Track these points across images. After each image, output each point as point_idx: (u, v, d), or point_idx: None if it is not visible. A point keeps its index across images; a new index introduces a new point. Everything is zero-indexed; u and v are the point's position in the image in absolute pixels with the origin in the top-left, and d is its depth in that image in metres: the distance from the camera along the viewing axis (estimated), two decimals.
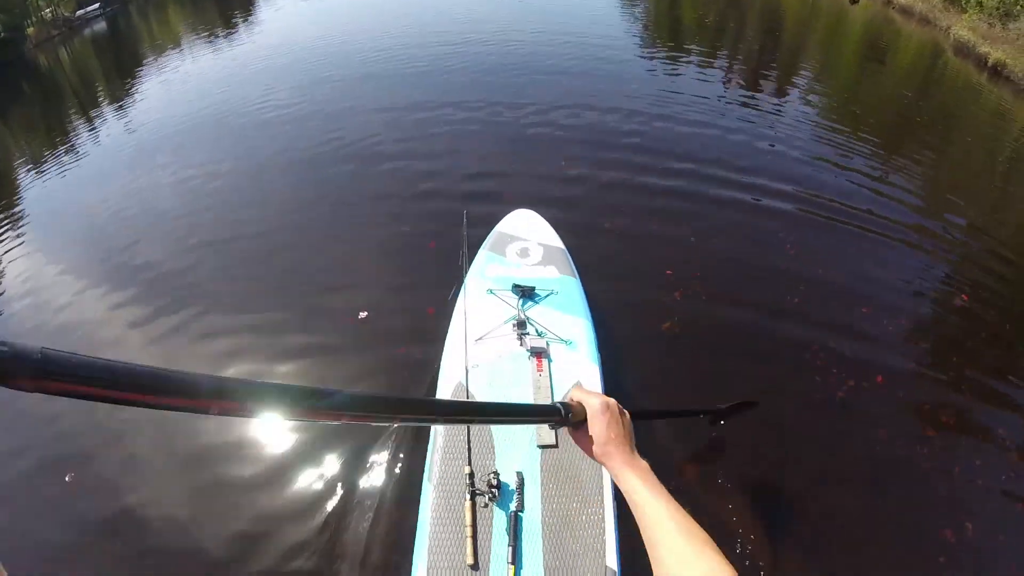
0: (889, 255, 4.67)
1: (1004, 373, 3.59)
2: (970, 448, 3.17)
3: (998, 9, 12.09)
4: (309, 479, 3.03)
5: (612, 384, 2.74)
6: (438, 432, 2.47)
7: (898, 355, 3.67)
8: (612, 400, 0.96)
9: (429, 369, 3.16)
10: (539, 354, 2.71)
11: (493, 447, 2.40)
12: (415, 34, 11.41)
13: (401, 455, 3.04)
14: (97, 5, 21.25)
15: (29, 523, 3.15)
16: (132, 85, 11.53)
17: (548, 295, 3.08)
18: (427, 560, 2.11)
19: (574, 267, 3.32)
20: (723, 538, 1.65)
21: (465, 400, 0.61)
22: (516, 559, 2.09)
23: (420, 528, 2.23)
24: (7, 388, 0.32)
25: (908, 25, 13.88)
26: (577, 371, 2.68)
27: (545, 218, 3.68)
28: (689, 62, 9.66)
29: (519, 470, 2.32)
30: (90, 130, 9.41)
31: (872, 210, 5.23)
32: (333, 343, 3.89)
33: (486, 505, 2.21)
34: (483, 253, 3.44)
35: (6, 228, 6.84)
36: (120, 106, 10.34)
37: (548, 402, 1.04)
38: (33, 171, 8.30)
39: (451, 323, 3.01)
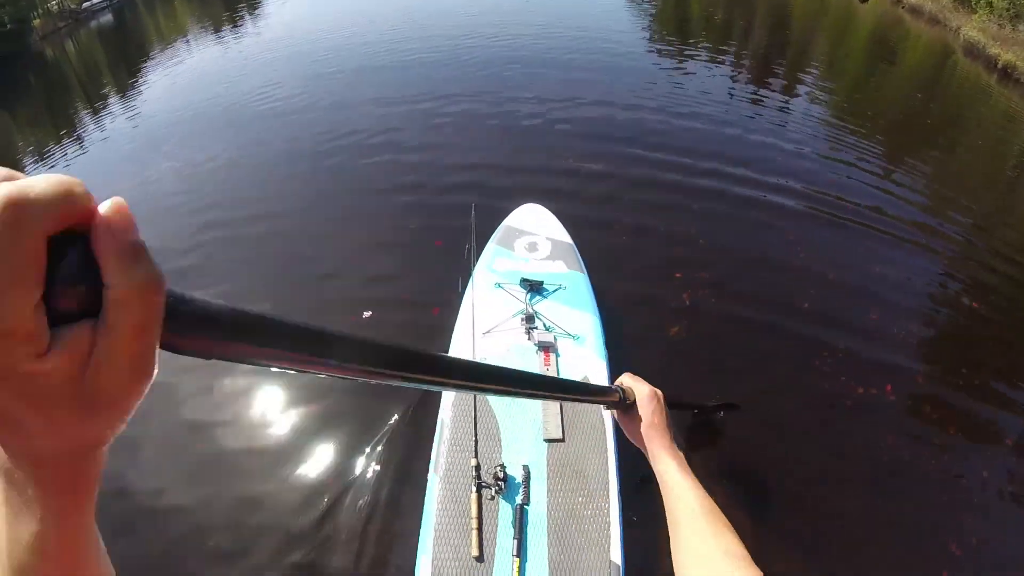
0: (897, 256, 4.64)
1: (1012, 379, 3.57)
2: (977, 456, 3.16)
3: (1008, 10, 12.03)
4: (314, 467, 3.03)
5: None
6: (445, 424, 2.47)
7: (906, 362, 3.64)
8: (659, 390, 1.01)
9: None
10: (547, 348, 2.71)
11: (500, 440, 2.41)
12: (421, 28, 11.39)
13: (408, 446, 3.04)
14: None
15: None
16: (138, 77, 11.53)
17: (556, 290, 3.08)
18: (432, 551, 2.12)
19: (582, 262, 3.32)
20: None
21: (529, 372, 0.61)
22: (521, 552, 2.10)
23: (426, 519, 2.24)
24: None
25: (917, 25, 13.82)
26: (585, 366, 2.68)
27: (553, 213, 3.67)
28: (697, 58, 9.63)
29: (525, 463, 2.33)
30: (96, 122, 9.42)
31: (881, 210, 5.21)
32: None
33: (492, 498, 2.22)
34: (491, 247, 3.44)
35: None
36: (126, 98, 10.35)
37: (606, 384, 1.06)
38: (39, 162, 8.32)
39: (458, 316, 3.01)
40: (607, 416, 2.49)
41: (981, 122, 8.31)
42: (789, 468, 3.00)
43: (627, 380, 1.06)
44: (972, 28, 12.08)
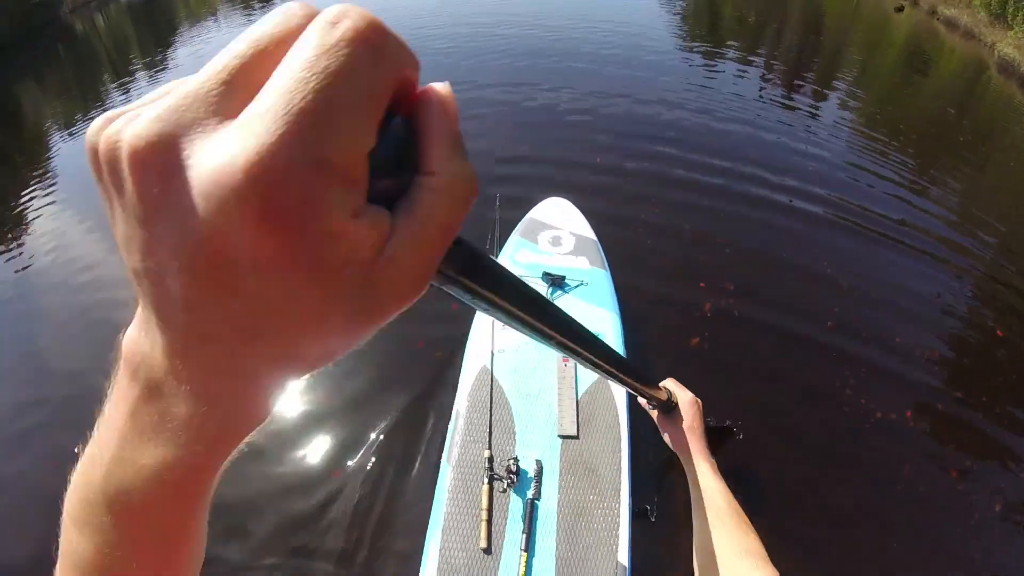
0: (924, 274, 4.55)
1: None
2: (995, 487, 3.09)
3: None
4: (326, 450, 3.04)
5: None
6: (460, 414, 2.47)
7: (927, 387, 3.57)
8: (698, 399, 1.06)
9: (451, 361, 3.18)
10: None
11: (514, 433, 2.40)
12: (447, 16, 11.35)
13: (421, 433, 3.04)
14: None
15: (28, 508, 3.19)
16: (166, 54, 11.62)
17: (578, 286, 3.06)
18: (440, 540, 2.13)
19: (605, 259, 3.30)
20: None
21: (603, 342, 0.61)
22: (529, 546, 2.10)
23: (435, 508, 2.24)
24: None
25: (952, 38, 13.60)
26: None
27: (578, 207, 3.64)
28: (728, 58, 9.54)
29: (539, 458, 2.33)
30: (123, 95, 9.50)
31: (909, 223, 5.12)
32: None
33: (504, 491, 2.22)
34: (514, 238, 3.43)
35: (36, 186, 6.94)
36: (154, 75, 10.42)
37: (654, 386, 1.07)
38: (65, 133, 8.40)
39: None
40: (623, 416, 2.48)
41: (1014, 142, 8.15)
42: (801, 493, 2.95)
43: (671, 384, 1.10)
44: (1007, 45, 11.86)
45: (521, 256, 3.29)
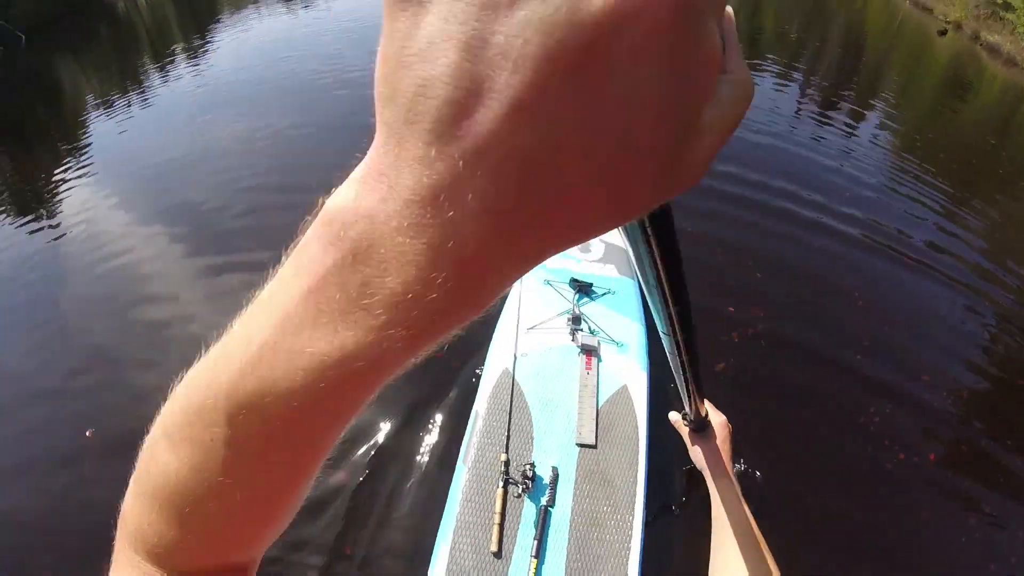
0: (957, 308, 4.42)
1: None
2: (1012, 542, 3.00)
3: None
4: (338, 444, 3.04)
5: (658, 395, 2.68)
6: (479, 415, 2.46)
7: (952, 430, 3.47)
8: (729, 423, 1.07)
9: (471, 363, 3.18)
10: (589, 352, 2.68)
11: (532, 438, 2.39)
12: None
13: (440, 431, 3.04)
14: None
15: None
16: (206, 38, 11.75)
17: (605, 294, 3.04)
18: (451, 541, 2.12)
19: (634, 269, 3.27)
20: None
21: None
22: (540, 553, 2.08)
23: (448, 508, 2.23)
24: None
25: (994, 65, 13.35)
26: (626, 375, 2.64)
27: None
28: (767, 71, 9.42)
29: (555, 465, 2.31)
30: (162, 77, 9.63)
31: (943, 251, 5.00)
32: None
33: (518, 496, 2.21)
34: None
35: (71, 159, 7.07)
36: (192, 57, 10.56)
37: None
38: (103, 109, 8.53)
39: (504, 308, 2.98)
40: (642, 428, 2.46)
41: None
42: (818, 528, 2.89)
43: (705, 403, 1.09)
44: None
45: (550, 260, 3.26)
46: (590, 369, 2.61)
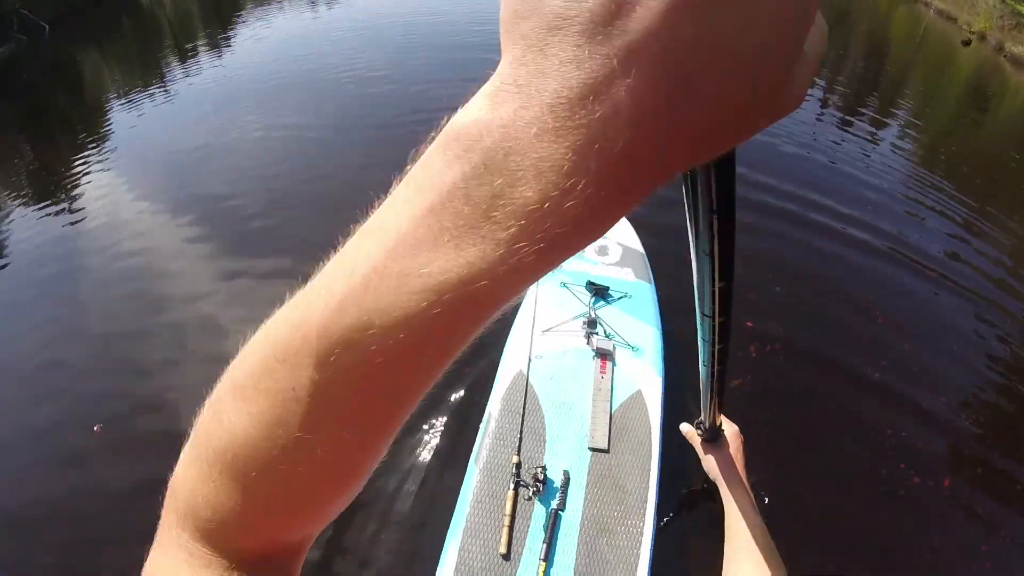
0: (980, 325, 4.32)
1: None
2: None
3: None
4: None
5: (673, 401, 2.65)
6: (492, 416, 2.45)
7: (969, 455, 3.40)
8: (741, 433, 1.06)
9: (489, 353, 3.14)
10: (604, 356, 2.66)
11: (544, 441, 2.38)
12: None
13: (451, 431, 3.03)
14: None
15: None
16: (229, 33, 11.83)
17: (621, 297, 3.02)
18: (460, 541, 2.11)
19: (651, 273, 3.25)
20: None
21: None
22: (548, 556, 2.07)
23: (459, 509, 2.23)
24: None
25: (1018, 77, 13.17)
26: (641, 380, 2.62)
27: (628, 219, 3.60)
28: None
29: (566, 468, 2.30)
30: (183, 70, 9.71)
31: (964, 262, 4.93)
32: None
33: (529, 498, 2.20)
34: None
35: (92, 149, 7.15)
36: (214, 52, 10.65)
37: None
38: (124, 101, 8.62)
39: (520, 309, 2.97)
40: (656, 434, 2.44)
41: None
42: (827, 548, 2.85)
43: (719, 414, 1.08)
44: None
45: (567, 263, 3.25)
46: (604, 373, 2.60)
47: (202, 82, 8.98)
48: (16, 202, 6.35)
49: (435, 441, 3.00)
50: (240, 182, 5.80)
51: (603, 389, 2.54)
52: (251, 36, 11.28)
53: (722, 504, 1.11)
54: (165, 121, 7.81)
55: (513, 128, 0.19)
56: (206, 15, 14.57)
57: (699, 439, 1.09)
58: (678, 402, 2.73)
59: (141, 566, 0.33)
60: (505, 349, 2.79)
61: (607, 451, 2.37)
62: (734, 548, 0.97)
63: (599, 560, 2.09)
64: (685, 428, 1.13)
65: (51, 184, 6.59)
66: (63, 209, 5.91)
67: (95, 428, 3.35)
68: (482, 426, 2.46)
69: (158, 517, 0.33)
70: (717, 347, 0.66)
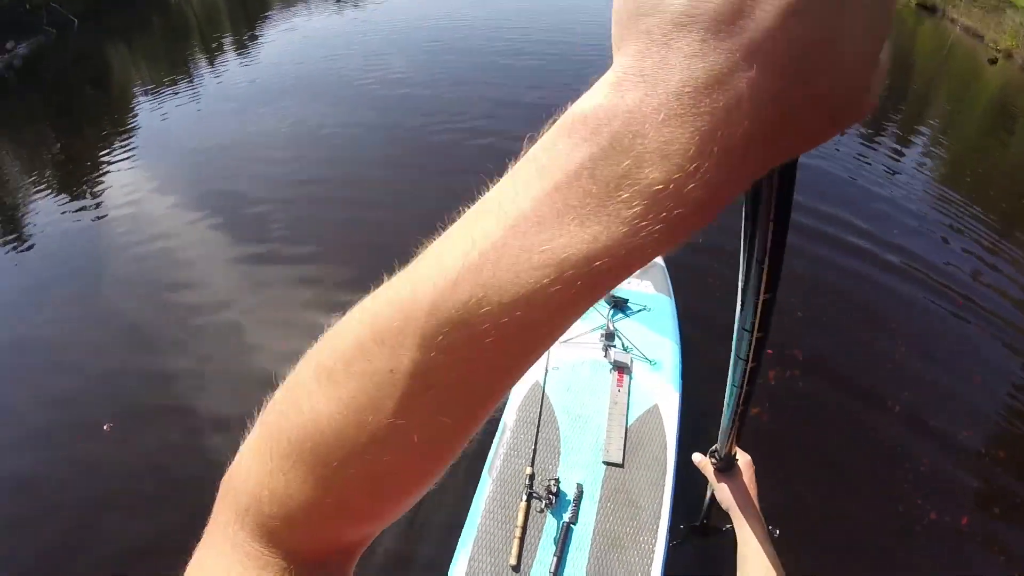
0: (1000, 356, 4.21)
1: None
2: None
3: None
4: None
5: (689, 416, 2.62)
6: (507, 427, 2.44)
7: (987, 492, 3.31)
8: (753, 463, 1.05)
9: None
10: (621, 369, 2.64)
11: (559, 453, 2.36)
12: (558, 22, 11.24)
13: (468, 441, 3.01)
14: None
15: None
16: (255, 31, 11.96)
17: (640, 310, 3.00)
18: (471, 550, 2.10)
19: (671, 287, 3.23)
20: None
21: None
22: (559, 570, 2.05)
23: (470, 518, 2.22)
24: None
25: None
26: (658, 394, 2.60)
27: None
28: None
29: (580, 481, 2.28)
30: (210, 68, 9.82)
31: (992, 295, 4.77)
32: None
33: (541, 510, 2.19)
34: None
35: (118, 143, 7.24)
36: (241, 50, 10.76)
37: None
38: (151, 96, 8.73)
39: None
40: (671, 450, 2.42)
41: None
42: None
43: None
44: None
45: None
46: (621, 386, 2.58)
47: (228, 79, 9.09)
48: (41, 191, 6.45)
49: None
50: (263, 177, 5.87)
51: (619, 402, 2.52)
52: (277, 36, 11.38)
53: (735, 532, 1.09)
54: (190, 118, 7.90)
55: (640, 113, 0.20)
56: (233, 14, 14.73)
57: (712, 469, 1.08)
58: (695, 418, 2.70)
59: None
60: None
61: (621, 465, 2.35)
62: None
63: (610, 575, 2.06)
64: (698, 458, 1.12)
65: (76, 175, 6.68)
66: (86, 199, 6.00)
67: (104, 427, 3.37)
68: (496, 436, 2.45)
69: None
70: (750, 364, 0.65)
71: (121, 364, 3.86)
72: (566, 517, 2.17)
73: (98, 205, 5.87)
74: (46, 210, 5.96)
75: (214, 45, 11.25)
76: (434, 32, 10.54)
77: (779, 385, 3.63)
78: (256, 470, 0.29)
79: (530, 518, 2.15)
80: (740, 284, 0.49)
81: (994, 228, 5.92)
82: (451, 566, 2.09)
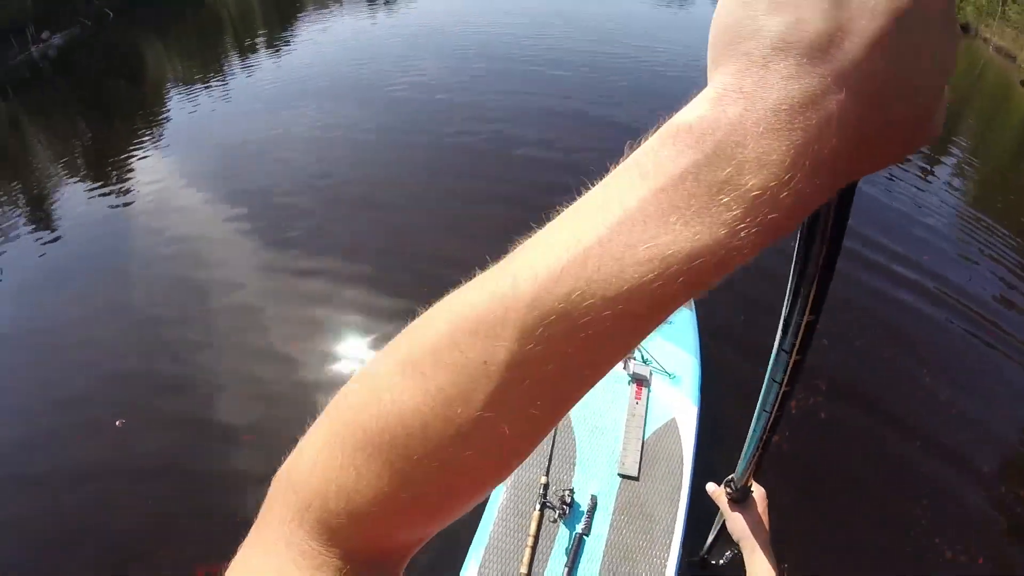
0: None
1: None
2: None
3: None
4: None
5: (707, 431, 2.60)
6: None
7: (1007, 532, 3.22)
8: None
9: None
10: (640, 382, 2.62)
11: (574, 464, 2.34)
12: (588, 31, 11.23)
13: None
14: None
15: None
16: (288, 31, 12.09)
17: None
18: (482, 558, 2.09)
19: (693, 300, 3.19)
20: None
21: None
22: None
23: (482, 525, 2.21)
24: None
25: None
26: (676, 408, 2.57)
27: None
28: None
29: (594, 493, 2.26)
30: (242, 65, 9.94)
31: (1021, 327, 4.62)
32: None
33: (554, 520, 2.17)
34: None
35: (148, 135, 7.36)
36: (273, 48, 10.88)
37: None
38: (183, 91, 8.85)
39: None
40: (687, 465, 2.39)
41: None
42: None
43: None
44: None
45: None
46: (639, 399, 2.56)
47: (260, 77, 9.20)
48: (71, 180, 6.57)
49: None
50: (291, 174, 5.93)
51: (637, 415, 2.50)
52: (309, 37, 11.50)
53: (742, 562, 1.08)
54: (220, 114, 8.01)
55: (741, 126, 0.22)
56: (267, 13, 14.91)
57: (727, 500, 1.06)
58: (712, 433, 2.68)
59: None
60: None
61: (637, 479, 2.33)
62: None
63: None
64: (712, 488, 1.10)
65: (105, 165, 6.79)
66: (114, 190, 6.09)
67: (117, 423, 3.39)
68: None
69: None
70: (784, 388, 0.64)
71: (139, 356, 3.91)
72: (579, 528, 2.15)
73: (125, 196, 5.97)
74: (74, 198, 6.07)
75: (247, 43, 11.39)
76: (465, 37, 10.61)
77: (800, 413, 3.55)
78: (323, 464, 0.28)
79: (543, 528, 2.13)
80: (786, 305, 0.48)
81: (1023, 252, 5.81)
82: (461, 572, 2.09)
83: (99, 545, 2.85)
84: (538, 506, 2.16)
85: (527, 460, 2.30)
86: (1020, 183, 8.31)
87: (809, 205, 0.23)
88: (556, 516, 2.16)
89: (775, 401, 0.65)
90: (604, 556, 2.12)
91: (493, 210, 5.06)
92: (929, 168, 7.59)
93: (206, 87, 8.84)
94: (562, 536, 2.15)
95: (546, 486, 2.20)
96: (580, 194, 0.26)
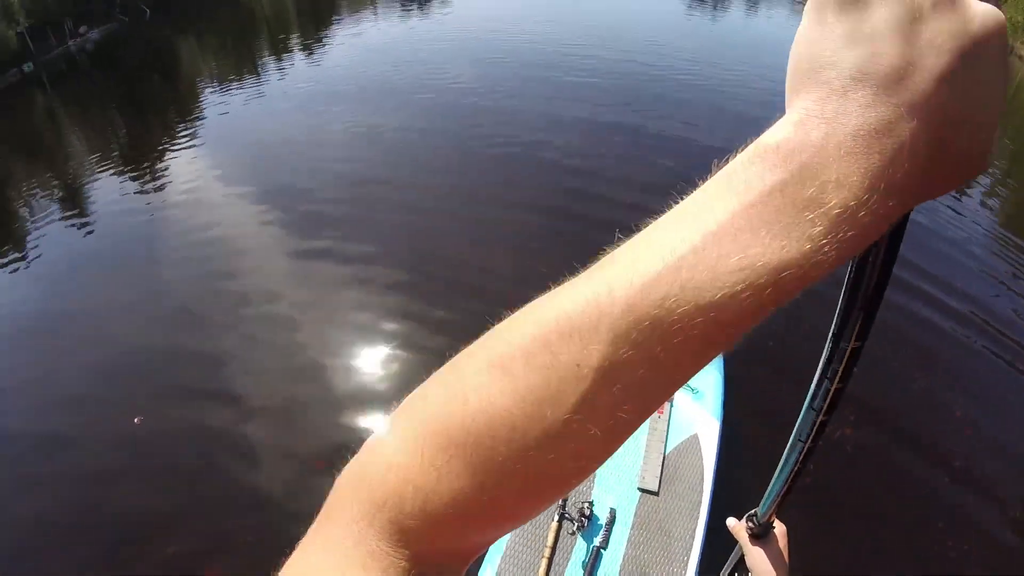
0: None
1: None
2: None
3: None
4: None
5: (729, 448, 2.56)
6: None
7: None
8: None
9: None
10: None
11: (594, 476, 2.33)
12: (619, 40, 11.16)
13: None
14: None
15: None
16: (322, 33, 12.20)
17: None
18: (498, 567, 2.08)
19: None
20: None
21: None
22: None
23: None
24: None
25: None
26: (698, 424, 2.54)
27: None
28: None
29: (613, 506, 2.24)
30: (276, 64, 10.06)
31: None
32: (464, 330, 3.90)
33: (572, 532, 2.16)
34: None
35: (184, 132, 7.47)
36: (307, 50, 11.01)
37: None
38: (217, 89, 8.96)
39: None
40: (708, 481, 2.36)
41: None
42: None
43: None
44: None
45: None
46: (662, 413, 2.54)
47: (292, 79, 9.31)
48: (104, 171, 6.70)
49: None
50: (322, 174, 6.00)
51: (659, 429, 2.48)
52: (343, 39, 11.60)
53: None
54: (254, 112, 8.12)
55: (824, 148, 0.24)
56: (302, 14, 15.08)
57: (747, 535, 1.04)
58: (734, 450, 2.64)
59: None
60: None
61: (657, 493, 2.30)
62: None
63: None
64: (732, 523, 1.08)
65: (138, 158, 6.92)
66: (146, 183, 6.21)
67: (135, 420, 3.42)
68: None
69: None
70: (822, 417, 0.62)
71: (165, 343, 3.97)
72: (597, 541, 2.14)
73: (157, 189, 6.08)
74: (107, 189, 6.19)
75: (281, 44, 11.53)
76: (499, 44, 10.62)
77: (826, 443, 3.35)
78: (401, 465, 0.28)
79: (560, 539, 2.13)
80: (831, 331, 0.47)
81: None
82: None
83: (105, 540, 2.90)
84: (556, 517, 2.15)
85: None
86: None
87: (882, 225, 0.25)
88: (574, 528, 2.15)
89: (811, 430, 0.63)
90: (621, 571, 2.10)
91: (532, 219, 5.09)
92: (962, 188, 7.44)
93: (240, 86, 8.98)
94: (579, 549, 2.13)
95: (564, 498, 2.19)
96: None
